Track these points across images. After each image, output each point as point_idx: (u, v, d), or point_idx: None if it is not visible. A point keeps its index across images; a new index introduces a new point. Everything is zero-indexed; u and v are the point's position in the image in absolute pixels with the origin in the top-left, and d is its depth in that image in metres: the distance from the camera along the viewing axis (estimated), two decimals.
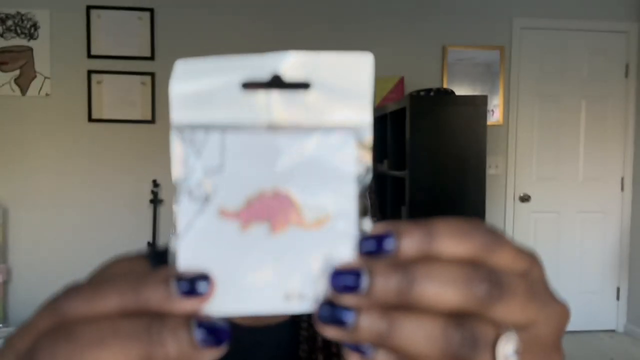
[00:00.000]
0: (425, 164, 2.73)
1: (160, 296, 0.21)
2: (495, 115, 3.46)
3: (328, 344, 0.57)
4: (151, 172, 3.18)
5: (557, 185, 3.57)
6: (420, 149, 2.72)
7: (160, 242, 3.14)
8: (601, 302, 3.61)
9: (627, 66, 3.57)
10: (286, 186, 0.23)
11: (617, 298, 3.63)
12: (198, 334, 0.21)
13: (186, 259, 0.22)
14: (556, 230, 3.58)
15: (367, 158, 0.23)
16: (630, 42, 3.56)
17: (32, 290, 3.02)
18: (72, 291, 0.22)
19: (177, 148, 0.23)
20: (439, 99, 2.80)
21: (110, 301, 0.21)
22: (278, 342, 0.58)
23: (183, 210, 0.23)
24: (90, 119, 3.14)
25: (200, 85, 0.23)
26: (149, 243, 3.13)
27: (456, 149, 2.74)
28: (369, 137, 0.23)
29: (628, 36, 3.56)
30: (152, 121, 3.18)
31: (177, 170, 0.23)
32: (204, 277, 0.22)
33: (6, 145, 3.10)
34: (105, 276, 0.23)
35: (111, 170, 3.18)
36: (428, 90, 2.82)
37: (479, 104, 2.77)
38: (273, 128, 0.23)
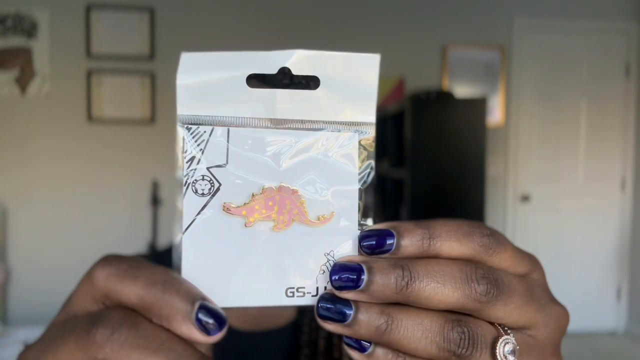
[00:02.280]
0: (425, 165, 2.73)
1: (177, 314, 0.21)
2: (495, 114, 3.45)
3: (329, 348, 0.56)
4: (151, 172, 3.18)
5: (557, 185, 3.57)
6: (421, 149, 2.71)
7: (160, 242, 3.14)
8: (602, 302, 3.60)
9: (627, 66, 3.56)
10: (290, 183, 0.23)
11: (618, 298, 3.63)
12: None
13: (191, 253, 0.22)
14: (556, 230, 3.57)
15: (371, 157, 0.24)
16: (630, 42, 3.55)
17: (31, 289, 3.02)
18: (108, 266, 0.23)
19: (182, 142, 0.23)
20: (438, 101, 2.79)
21: (134, 289, 0.22)
22: (279, 347, 0.57)
23: (188, 205, 0.22)
24: (89, 119, 3.13)
25: (206, 79, 0.23)
26: (150, 244, 3.12)
27: (456, 150, 2.73)
28: (372, 136, 0.23)
29: (629, 36, 3.55)
30: (152, 121, 3.17)
31: (181, 164, 0.23)
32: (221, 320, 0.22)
33: (5, 145, 3.09)
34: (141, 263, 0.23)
35: (111, 170, 3.17)
36: (428, 93, 2.82)
37: (478, 105, 2.77)
38: (278, 124, 0.23)
